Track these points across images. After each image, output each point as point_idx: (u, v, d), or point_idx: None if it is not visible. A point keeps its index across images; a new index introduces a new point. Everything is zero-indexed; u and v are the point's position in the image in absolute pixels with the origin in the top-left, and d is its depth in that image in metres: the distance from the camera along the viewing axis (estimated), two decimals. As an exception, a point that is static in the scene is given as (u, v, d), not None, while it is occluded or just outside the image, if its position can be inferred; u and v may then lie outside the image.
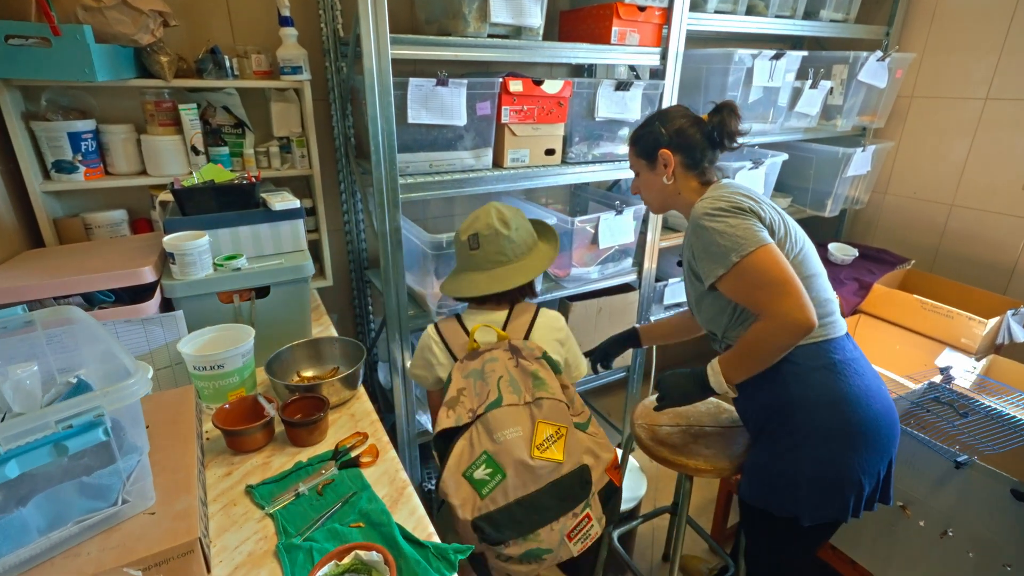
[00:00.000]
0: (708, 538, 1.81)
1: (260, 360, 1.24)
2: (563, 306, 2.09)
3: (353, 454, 1.05)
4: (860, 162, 2.42)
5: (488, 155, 1.71)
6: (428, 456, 2.13)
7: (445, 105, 1.56)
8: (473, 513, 1.10)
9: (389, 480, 1.00)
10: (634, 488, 1.92)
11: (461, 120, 1.60)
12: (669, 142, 1.25)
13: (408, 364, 1.74)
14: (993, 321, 1.97)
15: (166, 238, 1.20)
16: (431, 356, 1.32)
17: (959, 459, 1.25)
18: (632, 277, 2.17)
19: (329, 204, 1.95)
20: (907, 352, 2.18)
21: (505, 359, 1.22)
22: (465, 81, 1.55)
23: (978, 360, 1.97)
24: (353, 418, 1.18)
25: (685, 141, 1.24)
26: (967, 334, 2.03)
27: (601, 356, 1.63)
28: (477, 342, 1.27)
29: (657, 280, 2.25)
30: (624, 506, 1.84)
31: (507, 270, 1.31)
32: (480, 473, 1.12)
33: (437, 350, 1.31)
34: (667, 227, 2.31)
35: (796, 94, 2.25)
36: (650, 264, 2.18)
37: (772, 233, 1.13)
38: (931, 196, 2.58)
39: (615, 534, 1.78)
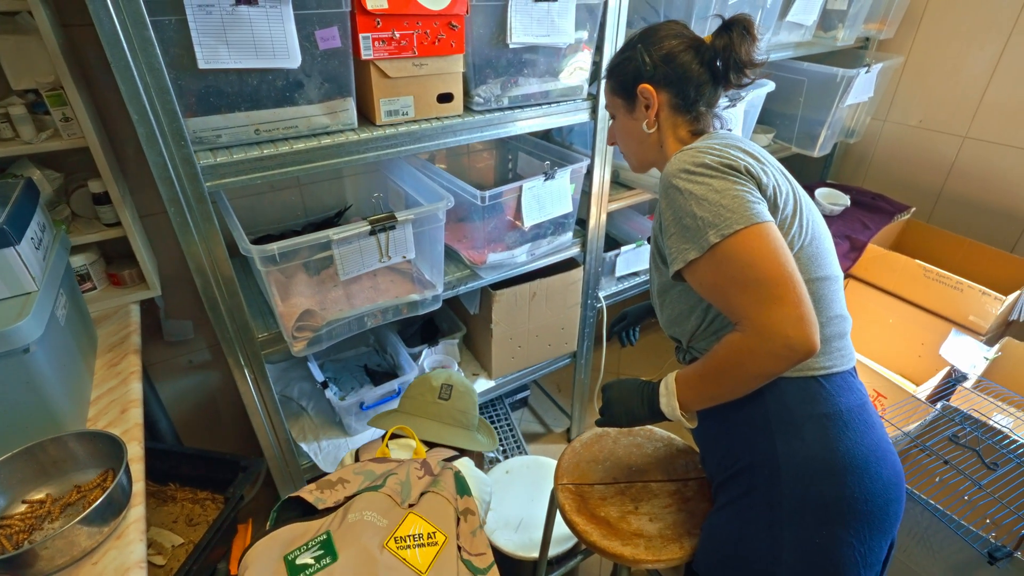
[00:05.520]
0: None
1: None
2: (486, 295, 1.63)
3: None
4: (862, 86, 1.91)
5: (349, 108, 1.15)
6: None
7: (259, 37, 0.99)
8: None
9: None
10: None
11: (292, 60, 1.03)
12: (653, 73, 0.92)
13: (273, 399, 1.31)
14: (1012, 297, 1.60)
15: None
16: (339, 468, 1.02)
17: (996, 553, 0.90)
18: (575, 251, 1.71)
19: (143, 177, 1.39)
20: (902, 328, 1.82)
21: (412, 468, 0.95)
22: (288, -4, 0.97)
23: (989, 344, 1.62)
24: (98, 587, 0.75)
25: (675, 72, 0.92)
26: (978, 311, 1.66)
27: (632, 321, 1.36)
28: (388, 450, 1.05)
29: (607, 249, 1.79)
30: (560, 547, 1.51)
31: (458, 432, 1.16)
32: (305, 557, 0.77)
33: (347, 459, 1.09)
34: (618, 183, 1.81)
35: (789, -2, 1.69)
36: (596, 231, 1.71)
37: (774, 209, 0.82)
38: (940, 125, 2.11)
39: (548, 582, 1.47)
